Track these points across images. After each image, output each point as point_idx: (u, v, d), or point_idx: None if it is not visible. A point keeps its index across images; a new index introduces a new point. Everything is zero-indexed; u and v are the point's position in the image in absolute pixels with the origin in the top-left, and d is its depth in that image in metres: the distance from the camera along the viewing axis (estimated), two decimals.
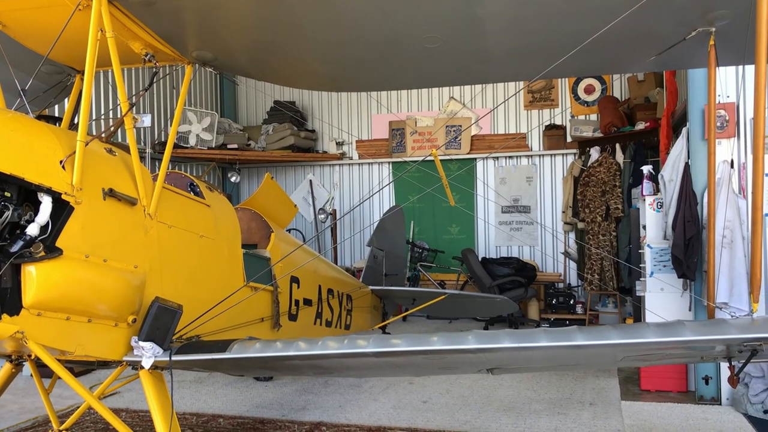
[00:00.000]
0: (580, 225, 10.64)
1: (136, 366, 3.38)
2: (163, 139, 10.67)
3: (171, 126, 4.00)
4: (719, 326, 2.90)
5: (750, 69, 3.74)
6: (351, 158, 13.11)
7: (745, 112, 6.11)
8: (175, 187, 3.82)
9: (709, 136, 3.98)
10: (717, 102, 6.01)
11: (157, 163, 3.64)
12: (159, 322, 3.30)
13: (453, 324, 11.10)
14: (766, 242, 6.10)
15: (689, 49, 3.76)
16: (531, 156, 12.09)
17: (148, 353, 3.25)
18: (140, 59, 3.70)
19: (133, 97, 3.92)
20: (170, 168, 3.97)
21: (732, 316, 3.45)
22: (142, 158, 3.43)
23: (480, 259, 11.32)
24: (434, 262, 12.10)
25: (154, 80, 3.80)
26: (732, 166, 6.04)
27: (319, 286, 5.58)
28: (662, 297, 6.57)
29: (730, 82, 6.16)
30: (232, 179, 12.15)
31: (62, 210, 2.95)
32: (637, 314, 8.11)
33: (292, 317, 4.98)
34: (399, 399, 6.47)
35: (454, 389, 6.79)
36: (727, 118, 6.14)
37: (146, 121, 3.66)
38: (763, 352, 3.01)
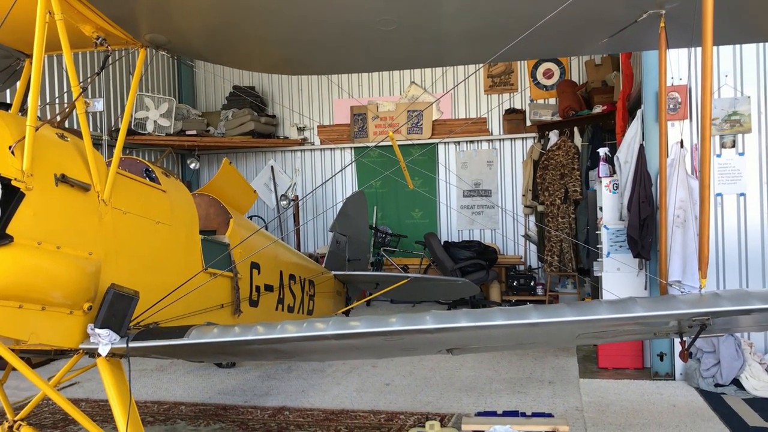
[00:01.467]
0: (540, 208, 10.78)
1: (93, 354, 3.33)
2: (119, 126, 10.46)
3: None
4: (669, 302, 2.97)
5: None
6: (313, 144, 13.06)
7: (697, 94, 6.25)
8: (130, 173, 3.77)
9: (660, 118, 4.06)
10: (670, 84, 6.15)
11: (113, 150, 3.58)
12: (115, 308, 3.25)
13: (416, 307, 11.19)
14: (717, 221, 6.29)
15: (641, 32, 3.82)
16: (491, 140, 12.20)
17: (105, 340, 3.21)
18: (91, 43, 3.61)
19: (87, 81, 3.84)
20: (129, 155, 3.91)
21: (682, 293, 3.55)
22: (97, 145, 3.38)
23: (442, 243, 11.42)
24: (397, 246, 12.15)
25: (106, 64, 3.72)
26: (682, 147, 6.18)
27: (281, 271, 5.56)
28: (619, 276, 6.72)
29: (682, 65, 6.29)
30: (192, 166, 12.01)
31: (12, 196, 2.88)
32: (596, 294, 8.28)
33: (253, 303, 4.95)
34: (362, 382, 6.51)
35: (416, 371, 6.86)
36: (679, 100, 6.27)
37: (98, 105, 3.59)
38: (711, 326, 3.10)
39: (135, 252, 3.57)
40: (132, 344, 3.23)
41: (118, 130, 9.90)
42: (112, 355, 3.30)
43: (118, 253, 3.40)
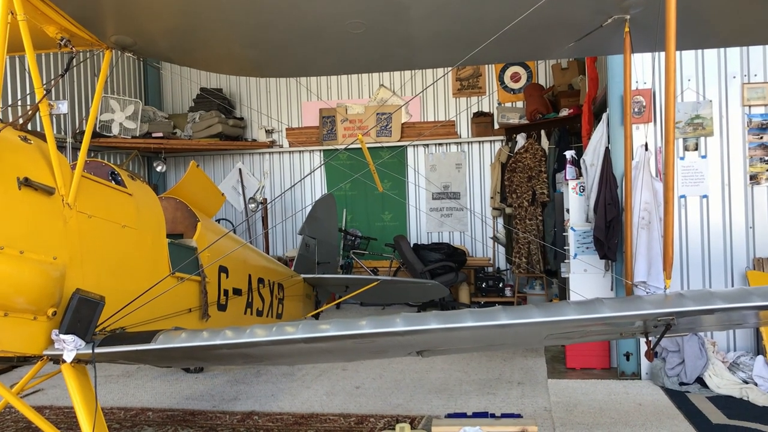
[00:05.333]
0: (508, 210, 10.86)
1: (58, 360, 3.28)
2: (84, 128, 10.31)
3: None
4: (634, 302, 3.02)
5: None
6: (281, 146, 13.00)
7: (661, 98, 6.36)
8: (96, 176, 3.71)
9: (625, 121, 4.13)
10: (634, 88, 6.25)
11: (78, 153, 3.52)
12: (80, 314, 3.20)
13: (386, 310, 11.19)
14: (681, 222, 6.41)
15: (606, 36, 3.89)
16: (460, 143, 12.27)
17: (70, 346, 3.16)
18: (55, 44, 3.56)
19: (51, 82, 3.77)
20: (94, 158, 3.85)
21: (647, 293, 3.61)
22: (62, 148, 3.31)
23: (412, 246, 11.44)
24: (367, 249, 12.15)
25: (71, 66, 3.66)
26: (646, 149, 6.29)
27: (249, 275, 5.52)
28: (586, 278, 6.80)
29: (647, 69, 6.40)
30: (158, 169, 11.86)
31: None
32: (563, 295, 8.37)
33: (222, 307, 4.91)
34: (332, 386, 6.50)
35: (386, 374, 6.86)
36: (644, 103, 6.38)
37: (62, 107, 3.52)
38: (676, 326, 3.15)
39: (101, 256, 3.51)
40: (98, 350, 3.18)
41: (83, 132, 9.74)
42: (78, 361, 3.25)
43: (83, 258, 3.35)
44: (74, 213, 3.33)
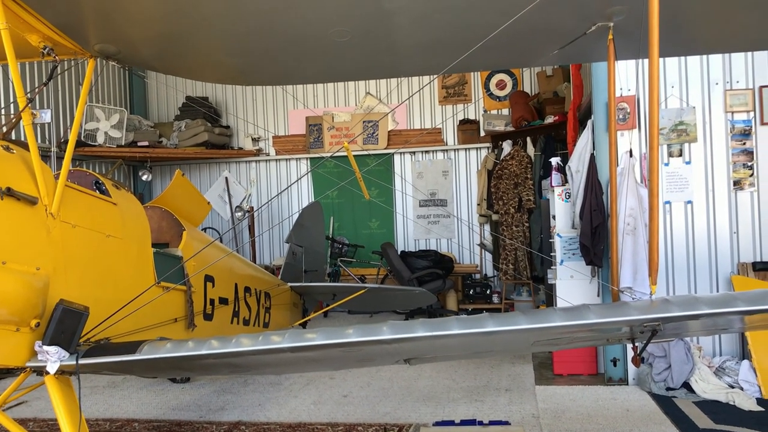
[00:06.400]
0: (495, 217, 10.89)
1: (42, 372, 3.24)
2: (68, 137, 10.24)
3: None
4: (620, 308, 3.02)
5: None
6: (268, 154, 12.97)
7: (645, 105, 6.41)
8: (80, 186, 3.68)
9: (610, 128, 4.15)
10: (618, 95, 6.29)
11: (62, 162, 3.49)
12: (64, 325, 3.16)
13: (374, 318, 11.17)
14: (666, 228, 6.45)
15: (590, 44, 3.91)
16: (446, 150, 12.30)
17: (53, 358, 3.12)
18: (38, 53, 3.53)
19: (34, 91, 3.75)
20: (78, 167, 3.82)
21: (633, 299, 3.62)
22: (46, 157, 3.29)
23: (399, 253, 11.44)
24: (354, 257, 12.14)
25: (54, 75, 3.64)
26: (631, 156, 6.33)
27: (236, 284, 5.49)
28: (572, 284, 6.82)
29: (631, 76, 6.45)
30: (144, 178, 11.80)
31: None
32: (550, 301, 8.40)
33: (208, 317, 4.88)
34: (319, 394, 6.47)
35: (374, 382, 6.84)
36: (628, 110, 6.42)
37: (46, 116, 3.51)
38: (662, 332, 3.16)
39: (85, 266, 3.48)
40: (82, 361, 3.14)
41: (67, 141, 9.70)
42: (62, 372, 3.21)
43: (67, 268, 3.32)
44: (58, 223, 3.29)
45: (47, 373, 3.17)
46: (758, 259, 6.40)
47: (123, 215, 3.87)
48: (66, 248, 3.32)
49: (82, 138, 10.78)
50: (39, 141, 9.55)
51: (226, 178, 12.90)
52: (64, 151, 6.85)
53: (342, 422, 5.56)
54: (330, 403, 6.18)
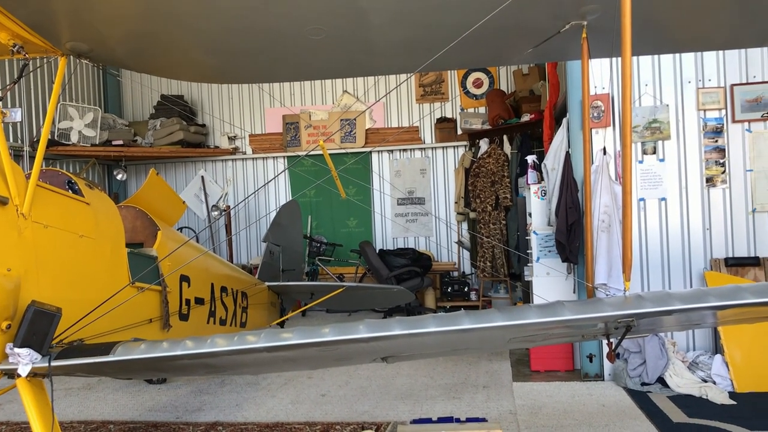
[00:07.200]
0: (472, 215, 10.94)
1: (13, 374, 3.19)
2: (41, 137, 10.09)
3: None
4: (595, 305, 3.05)
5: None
6: (244, 153, 12.89)
7: (619, 103, 6.47)
8: (52, 185, 3.63)
9: (584, 126, 4.19)
10: (593, 93, 6.34)
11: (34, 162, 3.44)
12: (36, 326, 3.12)
13: (352, 316, 11.15)
14: (640, 225, 6.53)
15: (565, 42, 3.93)
16: (424, 148, 12.32)
17: (25, 360, 3.07)
18: (8, 50, 3.48)
19: (5, 89, 3.69)
20: (52, 166, 3.77)
21: (608, 296, 3.66)
22: (18, 157, 3.24)
23: (377, 251, 11.44)
24: (333, 255, 12.11)
25: (24, 73, 3.58)
26: (605, 154, 6.39)
27: (212, 284, 5.45)
28: (549, 281, 6.88)
29: (605, 74, 6.51)
30: (118, 177, 11.67)
31: None
32: (527, 298, 8.44)
33: (183, 317, 4.84)
34: (297, 394, 6.45)
35: (352, 381, 6.83)
36: (602, 108, 6.48)
37: (16, 116, 3.44)
38: (636, 327, 3.19)
39: (57, 267, 3.44)
40: (54, 363, 3.10)
41: (39, 140, 9.54)
42: (34, 375, 3.16)
43: (39, 269, 3.27)
44: (29, 223, 3.25)
45: (19, 375, 3.12)
46: (730, 255, 6.50)
47: (96, 215, 3.82)
48: (38, 249, 3.28)
49: (56, 137, 10.63)
50: (11, 140, 9.40)
51: (202, 176, 12.80)
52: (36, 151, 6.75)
53: (320, 421, 5.55)
54: (308, 402, 6.17)
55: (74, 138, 10.83)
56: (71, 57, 3.71)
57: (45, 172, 3.82)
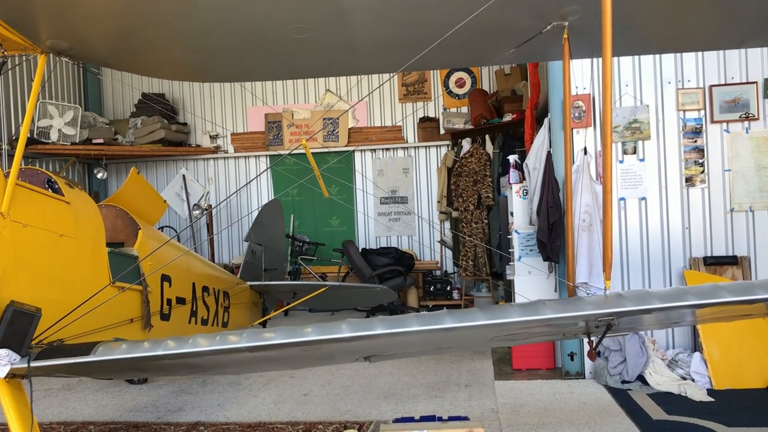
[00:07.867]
0: (455, 214, 10.97)
1: None
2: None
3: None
4: (576, 303, 3.07)
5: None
6: (226, 152, 12.83)
7: (600, 103, 6.52)
8: (31, 184, 3.60)
9: (566, 126, 4.22)
10: (574, 93, 6.39)
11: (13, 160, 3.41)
12: (15, 327, 3.09)
13: (335, 316, 11.14)
14: (621, 224, 6.58)
15: (546, 43, 3.96)
16: (407, 148, 12.34)
17: (4, 361, 3.05)
18: None
19: None
20: (32, 165, 3.73)
21: (588, 294, 3.69)
22: None
23: (360, 250, 11.43)
24: (315, 255, 12.09)
25: (2, 71, 3.55)
26: (586, 153, 6.44)
27: (193, 283, 5.43)
28: (530, 280, 6.92)
29: (586, 75, 6.55)
30: (99, 176, 11.57)
31: None
32: (509, 297, 8.49)
33: (165, 317, 4.81)
34: (280, 394, 6.43)
35: (335, 380, 6.83)
36: (583, 108, 6.52)
37: None
38: (617, 326, 3.22)
39: (37, 267, 3.41)
40: (34, 364, 3.08)
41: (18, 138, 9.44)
42: (12, 375, 3.13)
43: (18, 269, 3.24)
44: (8, 222, 3.22)
45: None
46: (709, 254, 6.57)
47: (76, 214, 3.79)
48: (17, 248, 3.25)
49: (35, 135, 10.51)
50: None
51: (184, 175, 12.72)
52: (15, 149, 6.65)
53: (302, 421, 5.55)
54: (290, 402, 6.15)
55: (54, 136, 10.72)
56: (51, 55, 3.68)
57: (24, 170, 3.78)
